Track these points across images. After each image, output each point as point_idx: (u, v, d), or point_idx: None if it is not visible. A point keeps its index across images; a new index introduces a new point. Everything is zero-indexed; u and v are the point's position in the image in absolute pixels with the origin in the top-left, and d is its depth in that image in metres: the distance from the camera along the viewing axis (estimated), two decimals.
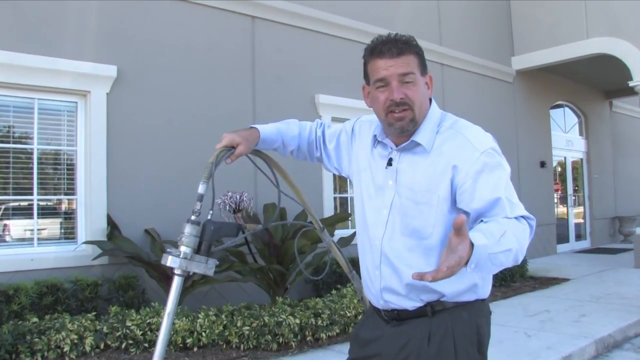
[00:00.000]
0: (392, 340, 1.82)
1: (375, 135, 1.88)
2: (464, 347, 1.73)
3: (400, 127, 1.73)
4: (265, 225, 2.06)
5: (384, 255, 1.80)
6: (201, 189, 1.68)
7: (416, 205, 1.74)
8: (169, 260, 1.61)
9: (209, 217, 1.70)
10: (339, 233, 6.57)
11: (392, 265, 1.79)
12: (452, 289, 1.74)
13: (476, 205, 1.64)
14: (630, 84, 9.70)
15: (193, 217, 1.66)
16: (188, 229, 1.65)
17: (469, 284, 1.75)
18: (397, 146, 1.81)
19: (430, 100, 1.83)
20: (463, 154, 1.69)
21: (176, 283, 1.63)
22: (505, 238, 1.49)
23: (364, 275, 1.94)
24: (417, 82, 1.72)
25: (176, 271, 1.62)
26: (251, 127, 1.93)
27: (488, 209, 1.62)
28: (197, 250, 1.64)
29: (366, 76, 1.81)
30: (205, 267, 1.64)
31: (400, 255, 1.77)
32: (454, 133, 1.75)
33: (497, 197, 1.62)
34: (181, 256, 1.61)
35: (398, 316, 1.82)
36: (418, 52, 1.75)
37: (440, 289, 1.73)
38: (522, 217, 1.62)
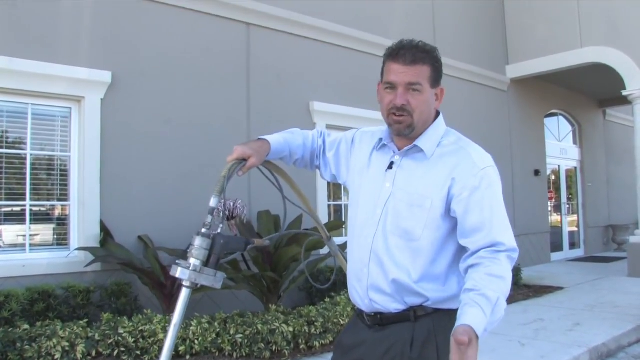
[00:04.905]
0: (375, 345, 1.85)
1: (381, 139, 1.95)
2: (446, 353, 1.73)
3: (397, 129, 1.83)
4: (272, 239, 2.06)
5: (373, 252, 1.84)
6: (213, 202, 1.67)
7: (409, 208, 1.79)
8: (179, 272, 1.60)
9: (218, 231, 1.69)
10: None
11: (380, 263, 1.83)
12: (436, 295, 1.79)
13: (466, 220, 1.73)
14: (624, 93, 9.77)
15: (204, 230, 1.65)
16: (198, 241, 1.63)
17: (451, 293, 1.79)
18: (400, 150, 1.88)
19: (439, 113, 1.91)
20: (463, 167, 1.77)
21: (184, 295, 1.62)
22: (494, 295, 1.59)
23: (351, 275, 1.96)
24: (423, 92, 1.79)
25: (185, 283, 1.61)
26: (260, 139, 1.96)
27: (473, 230, 1.71)
28: (205, 263, 1.64)
29: (381, 74, 1.88)
30: (213, 280, 1.63)
31: (389, 254, 1.81)
32: (457, 148, 1.83)
33: (484, 220, 1.71)
34: (190, 268, 1.60)
35: (381, 321, 1.85)
36: (434, 64, 1.80)
37: (424, 293, 1.78)
38: (506, 251, 1.69)
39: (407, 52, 1.77)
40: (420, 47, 1.79)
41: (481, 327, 1.50)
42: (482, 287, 1.58)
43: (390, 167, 1.88)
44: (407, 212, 1.79)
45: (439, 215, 1.77)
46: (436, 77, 1.82)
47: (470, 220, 1.72)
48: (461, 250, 1.77)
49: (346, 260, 2.19)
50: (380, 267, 1.83)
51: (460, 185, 1.74)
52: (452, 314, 1.68)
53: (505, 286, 1.63)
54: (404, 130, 1.81)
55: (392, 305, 1.82)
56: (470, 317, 1.51)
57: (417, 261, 1.78)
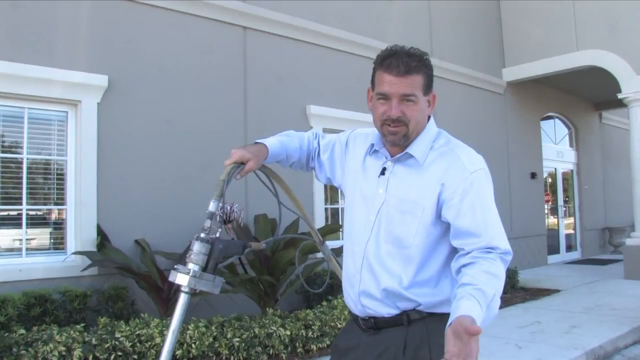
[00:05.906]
0: (369, 349, 1.85)
1: (372, 144, 1.93)
2: (439, 357, 1.73)
3: (392, 140, 1.81)
4: (269, 242, 2.05)
5: (366, 259, 1.84)
6: (212, 206, 1.67)
7: (401, 215, 1.79)
8: (178, 278, 1.59)
9: (217, 236, 1.68)
10: (329, 244, 6.52)
11: (372, 269, 1.83)
12: (428, 299, 1.78)
13: (459, 225, 1.71)
14: (620, 96, 9.81)
15: (203, 235, 1.63)
16: (197, 246, 1.62)
17: (443, 297, 1.78)
18: (392, 156, 1.86)
19: (429, 117, 1.88)
20: (454, 171, 1.75)
21: (182, 300, 1.61)
22: (492, 295, 1.56)
23: (345, 280, 1.96)
24: (417, 102, 1.77)
25: (183, 289, 1.60)
26: (257, 143, 1.95)
27: (466, 234, 1.69)
28: (204, 268, 1.62)
29: (372, 81, 1.84)
30: (212, 285, 1.62)
31: (381, 261, 1.81)
32: (447, 151, 1.81)
33: (477, 225, 1.69)
34: (190, 274, 1.59)
35: (375, 325, 1.86)
36: (426, 72, 1.78)
37: (416, 298, 1.78)
38: (501, 254, 1.67)
39: (399, 61, 1.73)
40: (412, 54, 1.75)
41: (479, 321, 1.46)
42: (479, 282, 1.56)
43: (382, 172, 1.87)
44: (399, 219, 1.79)
45: (429, 222, 1.76)
46: (429, 84, 1.80)
47: (462, 226, 1.70)
48: (453, 253, 1.76)
49: (339, 265, 2.19)
50: (371, 274, 1.83)
51: (450, 190, 1.73)
52: (445, 318, 1.68)
53: (500, 285, 1.61)
54: (399, 140, 1.80)
55: (385, 310, 1.82)
56: (469, 309, 1.46)
57: (409, 268, 1.77)
